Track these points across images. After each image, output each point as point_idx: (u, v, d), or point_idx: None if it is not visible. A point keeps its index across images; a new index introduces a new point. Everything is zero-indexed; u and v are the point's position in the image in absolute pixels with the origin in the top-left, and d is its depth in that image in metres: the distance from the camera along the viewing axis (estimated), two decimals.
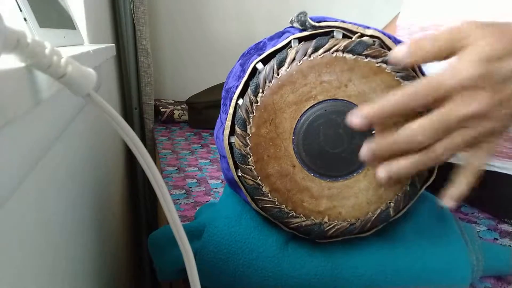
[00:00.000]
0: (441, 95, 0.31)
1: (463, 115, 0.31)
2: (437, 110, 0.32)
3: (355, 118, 0.33)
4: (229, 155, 0.38)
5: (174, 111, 1.23)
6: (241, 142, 0.37)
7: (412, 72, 0.36)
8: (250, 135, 0.36)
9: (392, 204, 0.38)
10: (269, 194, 0.37)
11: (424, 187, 0.39)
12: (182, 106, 1.28)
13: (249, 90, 0.36)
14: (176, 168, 0.81)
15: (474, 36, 0.30)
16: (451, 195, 0.35)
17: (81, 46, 0.51)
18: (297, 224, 0.38)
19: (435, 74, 0.32)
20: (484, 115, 0.31)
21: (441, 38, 0.32)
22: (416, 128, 0.32)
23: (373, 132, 0.36)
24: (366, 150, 0.34)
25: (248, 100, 0.36)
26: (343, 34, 0.36)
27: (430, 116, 0.32)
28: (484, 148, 0.33)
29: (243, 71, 0.39)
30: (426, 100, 0.31)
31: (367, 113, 0.32)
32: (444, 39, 0.32)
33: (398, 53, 0.33)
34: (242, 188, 0.38)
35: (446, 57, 0.32)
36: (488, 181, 0.58)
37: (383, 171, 0.34)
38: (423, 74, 0.37)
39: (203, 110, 1.13)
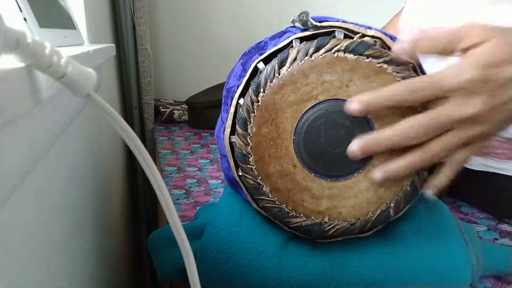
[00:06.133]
0: (440, 94, 0.31)
1: (457, 117, 0.31)
2: (432, 109, 0.32)
3: (353, 104, 0.33)
4: (229, 155, 0.38)
5: (174, 111, 1.23)
6: (242, 141, 0.36)
7: (413, 73, 0.36)
8: (251, 135, 0.36)
9: (392, 204, 0.38)
10: (270, 194, 0.37)
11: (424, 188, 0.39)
12: (182, 106, 1.28)
13: (250, 89, 0.36)
14: (176, 168, 0.81)
15: (477, 38, 0.31)
16: (432, 185, 0.36)
17: (81, 46, 0.51)
18: (297, 224, 0.38)
19: (437, 72, 0.32)
20: (477, 119, 0.31)
21: (443, 36, 0.32)
22: (408, 125, 0.32)
23: (374, 132, 0.36)
24: (355, 146, 0.34)
25: (249, 99, 0.36)
26: (345, 34, 0.36)
27: (424, 114, 0.32)
28: (471, 148, 0.34)
29: (244, 71, 0.39)
30: (424, 96, 0.32)
31: (366, 100, 0.33)
32: (447, 38, 0.32)
33: (400, 47, 0.34)
34: (243, 187, 0.38)
35: (447, 54, 0.33)
36: (488, 181, 0.58)
37: (379, 172, 0.35)
38: (422, 72, 0.37)
39: (203, 110, 1.13)
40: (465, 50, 0.31)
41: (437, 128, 0.32)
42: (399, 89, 0.32)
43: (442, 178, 0.35)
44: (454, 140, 0.32)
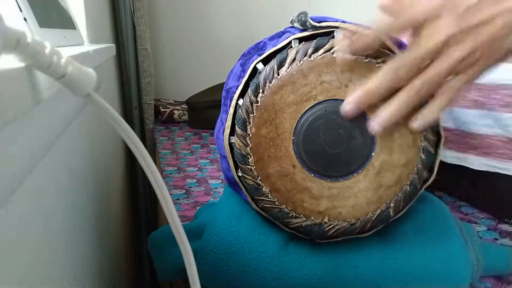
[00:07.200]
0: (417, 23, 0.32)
1: (431, 45, 0.31)
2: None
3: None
4: (229, 155, 0.38)
5: (174, 111, 1.23)
6: (242, 142, 0.37)
7: None
8: (251, 135, 0.36)
9: (392, 204, 0.38)
10: (269, 194, 0.37)
11: (424, 187, 0.39)
12: (182, 106, 1.28)
13: (249, 90, 0.36)
14: (176, 168, 0.81)
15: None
16: (421, 115, 0.35)
17: (81, 46, 0.51)
18: (297, 224, 0.38)
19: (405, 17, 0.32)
20: (452, 43, 0.31)
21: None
22: (388, 68, 0.33)
23: (374, 132, 0.36)
24: (348, 105, 0.35)
25: (248, 100, 0.36)
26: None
27: (403, 54, 0.33)
28: (464, 74, 0.33)
29: (244, 71, 0.39)
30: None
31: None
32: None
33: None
34: (242, 188, 0.38)
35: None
36: (489, 181, 0.58)
37: (374, 123, 0.35)
38: None
39: (203, 110, 1.13)
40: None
41: (417, 63, 0.32)
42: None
43: (434, 107, 0.34)
44: (435, 70, 0.32)
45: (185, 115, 1.22)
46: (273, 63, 0.36)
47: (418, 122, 0.35)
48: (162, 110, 1.23)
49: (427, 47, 0.31)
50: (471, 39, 0.31)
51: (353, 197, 0.37)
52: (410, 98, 0.33)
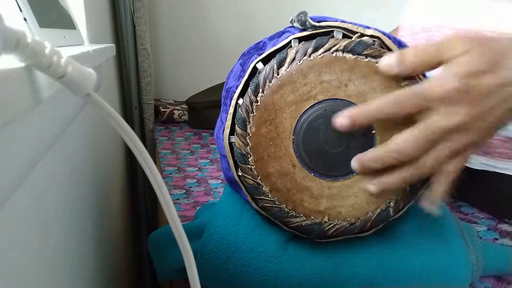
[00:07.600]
0: (424, 105, 0.32)
1: (445, 127, 0.32)
2: (420, 122, 0.33)
3: (340, 119, 0.34)
4: (229, 155, 0.38)
5: (174, 111, 1.23)
6: (241, 141, 0.37)
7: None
8: (250, 135, 0.36)
9: (392, 204, 0.38)
10: (269, 194, 0.37)
11: (424, 187, 0.39)
12: (182, 106, 1.28)
13: (249, 89, 0.36)
14: (176, 168, 0.81)
15: (458, 50, 0.32)
16: (431, 201, 0.36)
17: (81, 46, 0.51)
18: (297, 223, 0.38)
19: (419, 84, 0.33)
20: (464, 128, 0.32)
21: (427, 50, 0.33)
22: (401, 142, 0.33)
23: (373, 132, 0.36)
24: (355, 162, 0.36)
25: (248, 99, 0.36)
26: (343, 34, 0.36)
27: (413, 129, 0.33)
28: (462, 157, 0.34)
29: (243, 71, 0.39)
30: (409, 107, 0.33)
31: (351, 114, 0.34)
32: (430, 52, 0.33)
33: (387, 63, 0.34)
34: (242, 187, 0.38)
35: (433, 67, 0.33)
36: (488, 181, 0.58)
37: (372, 186, 0.36)
38: (423, 74, 0.37)
39: (203, 110, 1.13)
40: (448, 61, 0.32)
41: (428, 141, 0.33)
42: (385, 103, 0.33)
43: (439, 191, 0.36)
44: (445, 152, 0.33)
45: (185, 115, 1.22)
46: (273, 62, 0.36)
47: (433, 206, 0.36)
48: (162, 110, 1.23)
49: (441, 127, 0.32)
50: (482, 123, 0.32)
51: (353, 196, 0.37)
52: (416, 174, 0.34)
